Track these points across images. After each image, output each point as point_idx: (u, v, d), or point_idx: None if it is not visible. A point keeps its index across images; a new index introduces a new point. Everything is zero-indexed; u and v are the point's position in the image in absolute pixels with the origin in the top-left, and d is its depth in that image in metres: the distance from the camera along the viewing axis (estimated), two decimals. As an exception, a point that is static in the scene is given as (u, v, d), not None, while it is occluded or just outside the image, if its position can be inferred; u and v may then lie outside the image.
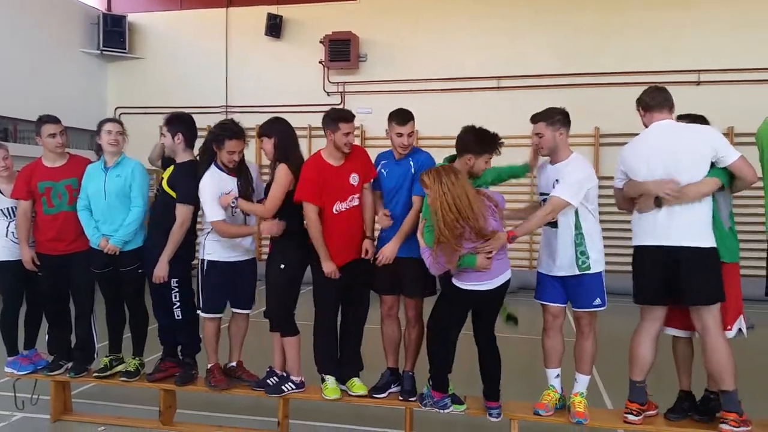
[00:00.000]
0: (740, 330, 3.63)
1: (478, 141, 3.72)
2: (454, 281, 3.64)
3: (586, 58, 10.92)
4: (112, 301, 4.53)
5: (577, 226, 3.68)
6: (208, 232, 4.17)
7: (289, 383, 4.16)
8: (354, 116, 4.06)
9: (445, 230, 3.37)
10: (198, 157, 4.19)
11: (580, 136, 10.52)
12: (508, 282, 3.70)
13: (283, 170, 3.96)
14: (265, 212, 4.02)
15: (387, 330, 4.19)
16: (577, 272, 3.70)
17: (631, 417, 3.63)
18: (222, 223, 4.03)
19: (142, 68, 12.99)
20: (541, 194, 3.86)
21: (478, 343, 3.81)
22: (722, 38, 10.44)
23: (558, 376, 3.90)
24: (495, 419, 3.77)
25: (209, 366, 4.31)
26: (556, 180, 3.70)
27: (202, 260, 4.21)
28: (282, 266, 4.07)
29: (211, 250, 4.17)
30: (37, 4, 11.45)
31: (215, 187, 4.04)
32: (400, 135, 3.93)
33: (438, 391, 3.82)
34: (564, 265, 3.74)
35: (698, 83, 10.28)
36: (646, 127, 3.66)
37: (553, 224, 3.74)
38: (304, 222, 4.05)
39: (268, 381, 4.25)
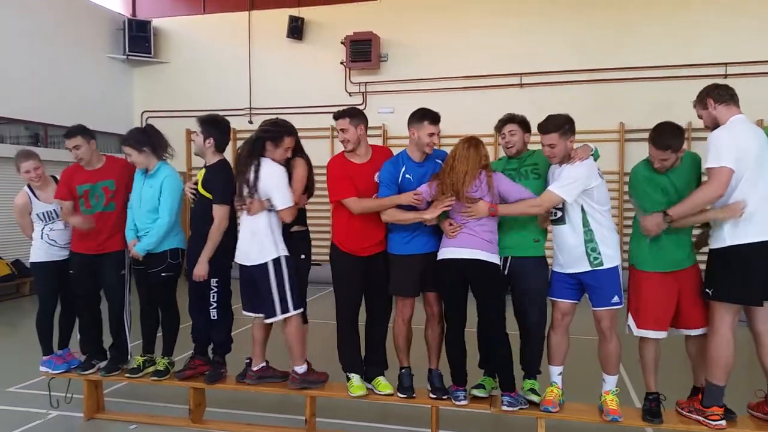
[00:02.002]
0: None
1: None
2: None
3: (610, 52, 10.78)
4: (147, 301, 4.63)
5: (585, 224, 3.72)
6: (273, 232, 4.09)
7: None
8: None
9: (447, 178, 3.76)
10: (241, 153, 4.13)
11: (605, 131, 10.43)
12: (482, 262, 3.75)
13: (301, 165, 4.19)
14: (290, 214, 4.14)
15: (405, 331, 4.17)
16: (590, 268, 3.72)
17: (722, 422, 3.53)
18: (293, 208, 4.04)
19: (167, 72, 13.18)
20: None
21: (478, 331, 4.00)
22: (749, 30, 10.23)
23: (560, 373, 3.94)
24: (506, 407, 3.79)
25: (303, 368, 4.18)
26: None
27: (278, 258, 4.05)
28: (303, 257, 4.26)
29: (283, 247, 4.12)
30: (65, 11, 11.70)
31: (286, 175, 4.07)
32: (432, 134, 3.94)
33: (454, 384, 3.93)
34: (575, 263, 3.76)
35: (725, 76, 10.08)
36: (712, 120, 3.61)
37: (560, 221, 3.78)
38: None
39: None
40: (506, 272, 3.93)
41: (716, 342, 3.56)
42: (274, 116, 4.45)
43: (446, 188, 3.77)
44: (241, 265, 4.18)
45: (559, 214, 3.78)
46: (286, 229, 4.16)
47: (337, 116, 4.11)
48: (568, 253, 3.79)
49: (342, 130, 4.07)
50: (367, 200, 3.99)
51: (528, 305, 3.96)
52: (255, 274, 4.07)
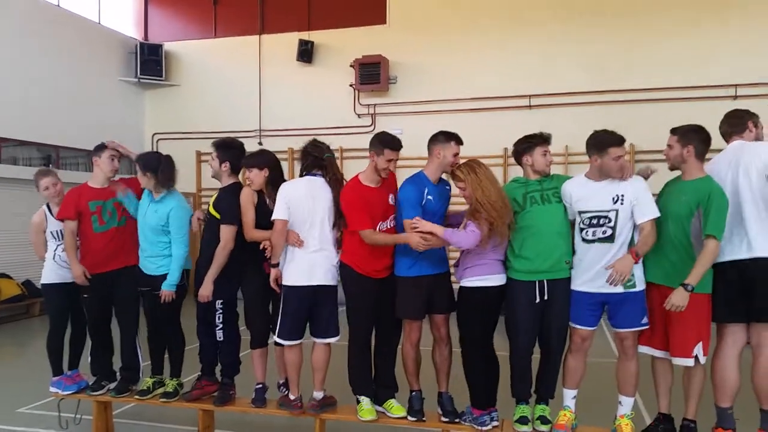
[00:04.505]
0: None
1: (524, 139, 3.96)
2: (465, 283, 3.86)
3: (620, 74, 10.84)
4: (154, 322, 4.61)
5: (632, 243, 3.65)
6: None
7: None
8: (401, 146, 4.03)
9: (493, 211, 3.68)
10: (306, 171, 4.17)
11: (614, 153, 10.42)
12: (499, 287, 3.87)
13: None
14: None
15: (414, 354, 4.13)
16: (622, 290, 3.63)
17: None
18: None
19: (178, 95, 13.35)
20: (583, 212, 3.71)
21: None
22: (760, 51, 10.26)
23: (575, 397, 3.87)
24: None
25: (322, 393, 4.19)
26: (617, 195, 3.64)
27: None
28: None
29: None
30: (78, 35, 11.91)
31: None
32: (456, 155, 3.97)
33: (478, 408, 3.84)
34: (608, 284, 3.63)
35: (735, 98, 10.11)
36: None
37: (609, 239, 3.64)
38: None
39: (265, 396, 4.36)
40: (545, 297, 3.78)
41: (720, 365, 3.58)
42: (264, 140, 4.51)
43: (500, 226, 3.69)
44: (303, 288, 4.05)
45: (609, 231, 3.64)
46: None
47: (399, 147, 4.04)
48: (605, 273, 3.62)
49: (393, 161, 4.05)
50: (380, 235, 3.96)
51: (559, 329, 3.85)
52: (324, 295, 4.09)
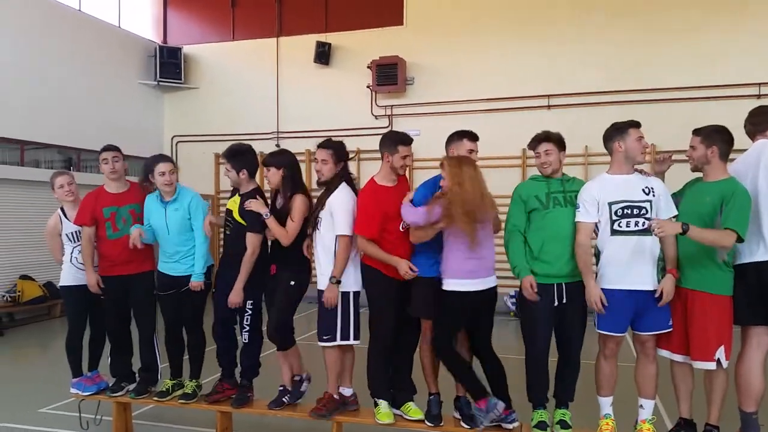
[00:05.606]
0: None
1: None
2: (444, 285, 3.80)
3: (640, 73, 10.68)
4: (173, 325, 4.63)
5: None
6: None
7: (287, 396, 4.34)
8: (412, 140, 4.12)
9: (457, 205, 3.62)
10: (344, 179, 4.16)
11: (634, 153, 10.28)
12: (496, 288, 3.84)
13: (301, 200, 4.16)
14: (285, 238, 4.15)
15: (431, 354, 4.08)
16: (653, 288, 3.54)
17: None
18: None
19: (196, 98, 13.43)
20: (615, 203, 3.58)
21: (481, 354, 3.96)
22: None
23: (612, 404, 3.79)
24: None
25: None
26: (647, 187, 3.59)
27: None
28: (292, 283, 4.23)
29: None
30: (98, 39, 12.03)
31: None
32: (471, 151, 3.96)
33: (480, 399, 3.77)
34: (645, 280, 3.54)
35: (759, 96, 9.92)
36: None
37: (648, 231, 3.48)
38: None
39: (283, 400, 4.34)
40: (563, 300, 3.71)
41: (744, 368, 3.51)
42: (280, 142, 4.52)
43: (457, 212, 3.62)
44: (358, 293, 4.19)
45: (647, 223, 3.49)
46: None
47: (410, 142, 4.15)
48: (644, 266, 3.53)
49: (408, 156, 4.13)
50: (374, 247, 3.95)
51: (579, 331, 3.79)
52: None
